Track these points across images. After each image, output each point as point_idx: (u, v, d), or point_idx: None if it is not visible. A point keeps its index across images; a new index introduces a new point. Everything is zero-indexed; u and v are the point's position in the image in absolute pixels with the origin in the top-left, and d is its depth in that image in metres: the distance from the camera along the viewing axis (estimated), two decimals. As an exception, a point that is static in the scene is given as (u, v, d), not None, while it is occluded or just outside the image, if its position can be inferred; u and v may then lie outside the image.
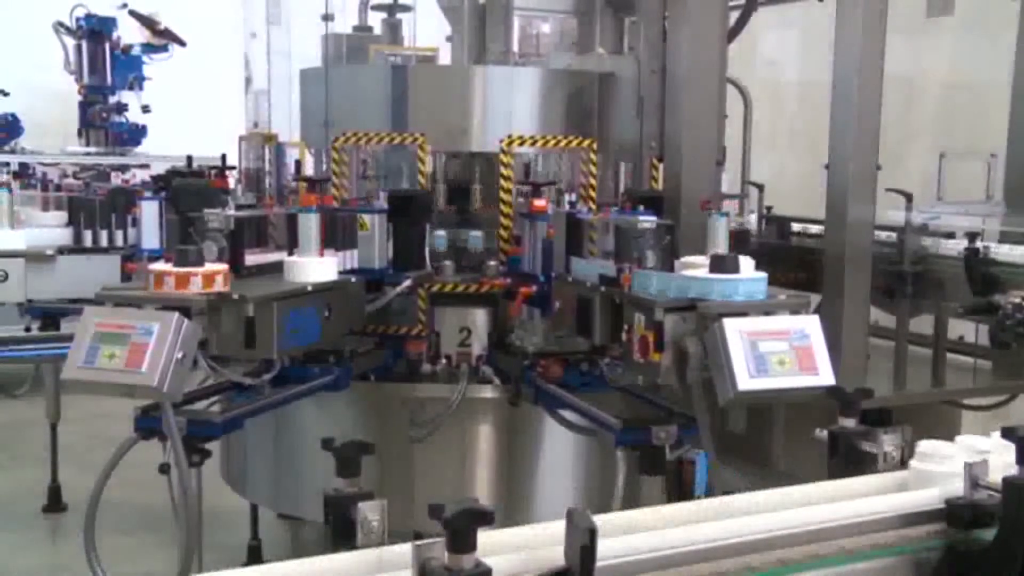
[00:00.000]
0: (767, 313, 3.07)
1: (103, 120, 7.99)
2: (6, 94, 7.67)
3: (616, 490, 3.45)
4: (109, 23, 7.93)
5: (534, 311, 4.09)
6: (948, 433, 1.87)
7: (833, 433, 2.01)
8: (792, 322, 3.03)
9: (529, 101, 4.52)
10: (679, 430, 3.38)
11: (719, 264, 3.12)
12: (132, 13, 8.02)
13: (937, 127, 6.84)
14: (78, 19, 7.86)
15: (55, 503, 5.33)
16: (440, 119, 4.45)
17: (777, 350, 2.94)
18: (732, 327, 2.93)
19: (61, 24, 7.81)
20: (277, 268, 3.63)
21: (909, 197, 4.27)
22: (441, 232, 4.37)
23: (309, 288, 3.50)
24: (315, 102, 4.63)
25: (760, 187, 5.85)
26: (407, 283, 3.99)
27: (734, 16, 4.85)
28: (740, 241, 4.20)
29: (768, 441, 4.13)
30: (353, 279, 3.81)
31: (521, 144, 4.33)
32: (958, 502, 1.60)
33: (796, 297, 3.28)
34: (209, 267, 3.16)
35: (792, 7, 6.23)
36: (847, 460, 1.91)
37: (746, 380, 2.88)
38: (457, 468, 4.16)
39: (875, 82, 3.85)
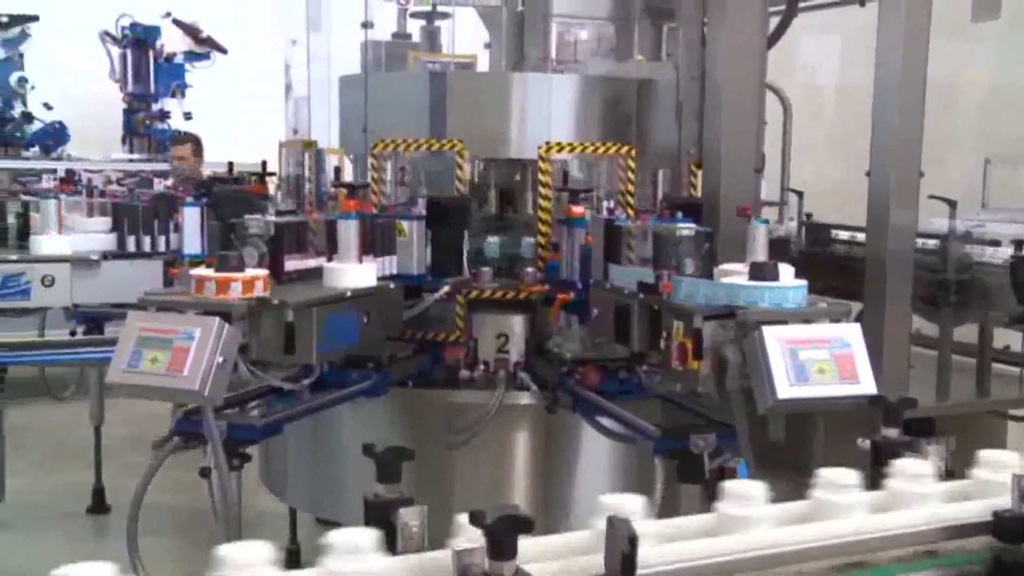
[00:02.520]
0: (807, 321, 3.04)
1: (146, 127, 8.10)
2: (49, 108, 7.80)
3: (655, 498, 3.44)
4: (153, 32, 8.04)
5: (572, 318, 4.08)
6: (993, 444, 1.84)
7: (876, 443, 1.99)
8: (833, 330, 3.00)
9: (567, 108, 4.52)
10: (718, 438, 3.36)
11: (758, 271, 3.10)
12: (175, 22, 8.13)
13: (982, 133, 6.77)
14: (123, 28, 7.98)
15: (99, 504, 5.39)
16: (478, 126, 4.46)
17: (817, 358, 2.91)
18: (772, 335, 2.91)
19: (107, 33, 7.93)
20: (316, 274, 3.65)
21: (953, 204, 4.22)
22: (493, 239, 4.39)
23: (348, 294, 3.52)
24: (354, 109, 4.65)
25: (800, 194, 5.81)
26: (445, 289, 4.00)
27: (774, 22, 4.82)
28: (779, 248, 4.17)
29: (808, 450, 4.09)
30: (391, 285, 3.82)
31: (559, 151, 4.33)
32: (1005, 514, 1.58)
33: (837, 305, 3.25)
34: (249, 272, 3.18)
35: (832, 11, 6.18)
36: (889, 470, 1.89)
37: (786, 388, 2.86)
38: (494, 475, 4.16)
39: (918, 87, 3.81)
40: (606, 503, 1.38)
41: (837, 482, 1.55)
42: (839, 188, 6.54)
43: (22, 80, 7.71)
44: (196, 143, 7.29)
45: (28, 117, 7.78)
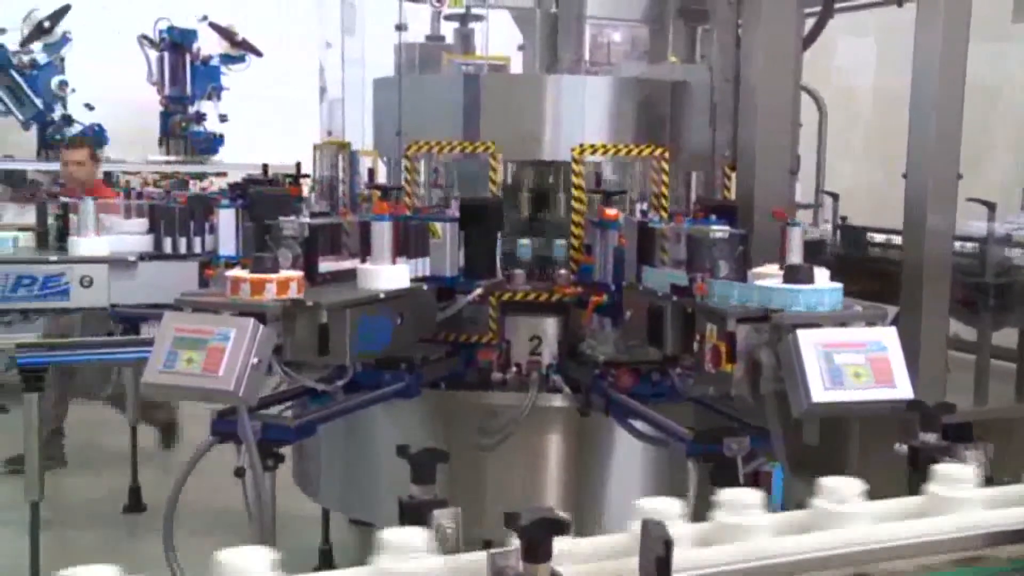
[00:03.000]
0: (842, 324, 3.02)
1: (182, 129, 8.17)
2: (91, 108, 7.90)
3: (688, 501, 3.42)
4: (190, 35, 8.12)
5: (605, 320, 4.08)
6: (1033, 450, 1.82)
7: (914, 448, 1.97)
8: (868, 334, 2.98)
9: (601, 110, 4.51)
10: (751, 442, 3.34)
11: (793, 274, 3.08)
12: (212, 25, 8.21)
13: (1021, 134, 6.68)
14: (161, 32, 8.06)
15: (135, 503, 5.45)
16: (512, 128, 4.46)
17: (853, 362, 2.89)
18: (806, 338, 2.89)
19: (145, 37, 8.02)
20: (350, 275, 3.66)
21: (992, 207, 4.18)
22: (525, 241, 4.39)
23: (381, 295, 3.53)
24: (388, 111, 4.68)
25: (835, 196, 5.77)
26: (478, 291, 4.01)
27: (808, 23, 4.79)
28: (814, 251, 4.15)
29: (843, 454, 4.06)
30: (425, 287, 3.83)
31: (592, 153, 4.32)
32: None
33: (873, 308, 3.22)
34: (284, 274, 3.20)
35: (867, 12, 6.13)
36: (928, 476, 1.87)
37: (820, 392, 2.84)
38: (527, 477, 4.16)
39: (956, 89, 3.77)
40: (643, 506, 1.38)
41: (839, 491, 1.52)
42: (875, 190, 6.49)
43: (63, 83, 7.81)
44: (92, 147, 6.47)
45: (68, 120, 7.87)
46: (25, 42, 7.67)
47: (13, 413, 6.15)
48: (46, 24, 7.69)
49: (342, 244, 3.95)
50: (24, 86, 7.68)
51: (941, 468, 1.56)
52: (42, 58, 7.75)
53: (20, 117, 7.75)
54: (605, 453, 4.15)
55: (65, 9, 7.67)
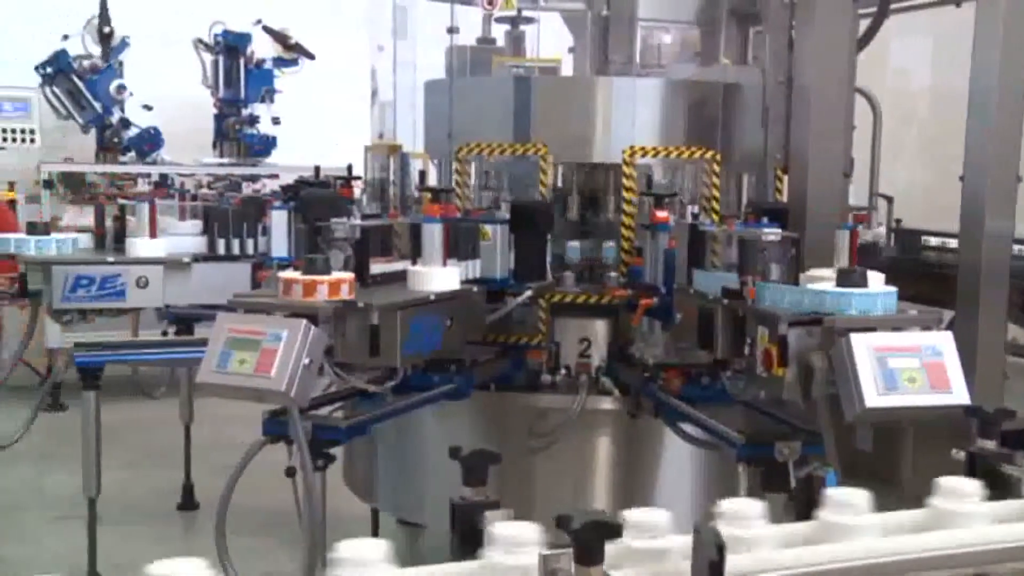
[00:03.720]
0: (897, 329, 2.98)
1: (236, 132, 8.27)
2: (149, 108, 8.02)
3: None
4: (244, 39, 8.21)
5: (655, 323, 4.06)
6: (1094, 458, 1.78)
7: (972, 454, 1.94)
8: (923, 338, 2.94)
9: (652, 112, 4.50)
10: (803, 446, 3.31)
11: (846, 278, 3.04)
12: (265, 29, 8.29)
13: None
14: (216, 36, 8.16)
15: (188, 501, 5.52)
16: (562, 130, 4.47)
17: (907, 367, 2.85)
18: (860, 342, 2.86)
19: (200, 41, 8.13)
20: (401, 277, 3.68)
21: (1051, 210, 4.09)
22: (575, 243, 4.38)
23: (432, 297, 3.54)
24: (439, 113, 4.70)
25: (889, 199, 5.70)
26: (528, 293, 4.01)
27: (863, 24, 4.73)
28: (868, 254, 4.09)
29: (896, 460, 4.01)
30: (475, 289, 3.84)
31: (643, 155, 4.31)
32: None
33: (928, 312, 3.18)
34: (335, 275, 3.23)
35: (923, 13, 6.04)
36: (986, 483, 1.84)
37: (874, 397, 2.80)
38: (576, 479, 4.15)
39: (1016, 89, 3.71)
40: (724, 508, 1.37)
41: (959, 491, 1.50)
42: (930, 193, 6.40)
43: (121, 87, 7.94)
44: None
45: (125, 123, 8.00)
46: (103, 52, 7.81)
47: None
48: (106, 30, 7.83)
49: (393, 246, 3.97)
50: (84, 90, 7.82)
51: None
52: (101, 62, 7.89)
53: (80, 121, 7.90)
54: (654, 456, 4.14)
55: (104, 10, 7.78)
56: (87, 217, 5.71)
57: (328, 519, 3.37)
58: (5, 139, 7.81)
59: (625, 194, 4.23)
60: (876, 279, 3.11)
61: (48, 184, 7.64)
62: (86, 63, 7.84)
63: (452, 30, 5.01)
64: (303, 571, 3.25)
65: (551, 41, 5.71)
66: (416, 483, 4.37)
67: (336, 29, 8.34)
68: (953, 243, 4.42)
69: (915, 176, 7.28)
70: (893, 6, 4.83)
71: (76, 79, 7.80)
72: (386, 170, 5.06)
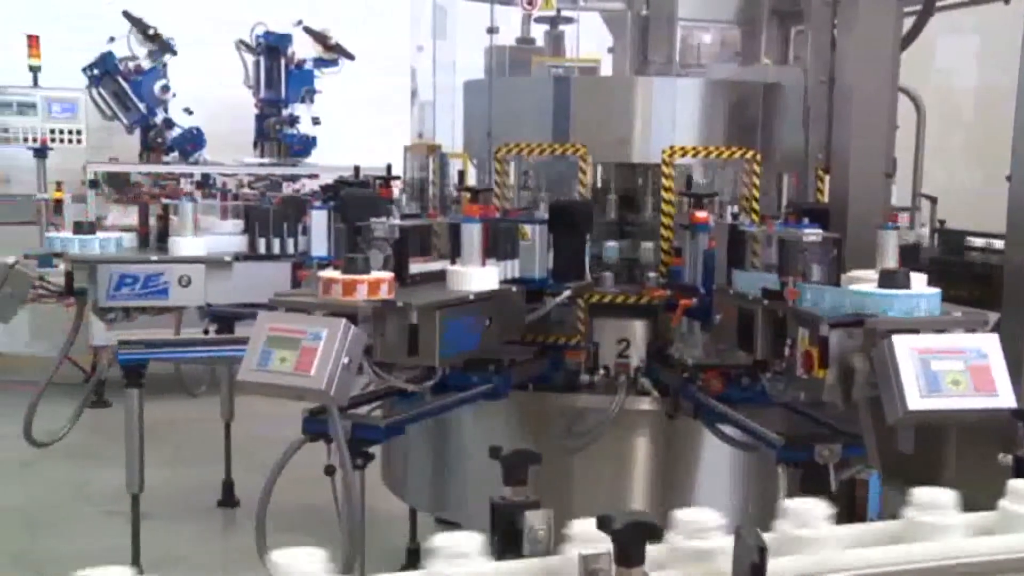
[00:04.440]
0: (940, 330, 2.94)
1: (277, 132, 8.34)
2: (190, 112, 8.12)
3: (778, 508, 3.37)
4: (285, 39, 8.28)
5: (694, 323, 4.04)
6: None
7: (1019, 458, 1.91)
8: (968, 340, 2.90)
9: (691, 112, 4.48)
10: (844, 449, 3.28)
11: (889, 279, 3.01)
12: (306, 29, 8.35)
13: None
14: (257, 37, 8.23)
15: (228, 498, 5.57)
16: (601, 130, 4.46)
17: (951, 369, 2.81)
18: (902, 344, 2.83)
19: (242, 42, 8.20)
20: (440, 277, 3.69)
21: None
22: (614, 243, 4.38)
23: (471, 297, 3.55)
24: (478, 113, 4.71)
25: (933, 200, 5.63)
26: (567, 293, 4.01)
27: (907, 22, 4.68)
28: (910, 255, 4.05)
29: (939, 463, 3.96)
30: (514, 288, 3.85)
31: (683, 155, 4.29)
32: None
33: (973, 314, 3.14)
34: (375, 275, 3.24)
35: (968, 11, 5.96)
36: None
37: (916, 400, 2.77)
38: (614, 479, 4.15)
39: (1063, 88, 3.65)
40: (788, 507, 1.36)
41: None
42: (974, 193, 6.31)
43: (165, 88, 8.03)
44: None
45: (169, 123, 8.10)
46: (150, 53, 7.91)
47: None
48: (151, 32, 7.93)
49: (432, 246, 3.99)
50: (129, 91, 7.93)
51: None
52: (146, 64, 7.99)
53: (125, 121, 8.00)
54: (692, 457, 4.12)
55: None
56: (131, 216, 5.77)
57: (366, 518, 3.39)
58: (53, 140, 7.93)
59: (664, 194, 4.22)
60: (919, 280, 3.08)
61: (94, 184, 7.75)
62: (131, 65, 7.94)
63: (492, 30, 5.02)
64: (341, 569, 3.27)
65: (590, 41, 5.70)
66: (453, 482, 4.38)
67: (376, 29, 8.39)
68: (999, 244, 4.35)
69: (960, 176, 7.18)
70: (939, 3, 4.76)
71: (122, 80, 7.90)
72: (425, 170, 5.07)
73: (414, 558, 4.86)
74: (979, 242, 5.00)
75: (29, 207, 7.88)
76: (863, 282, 3.10)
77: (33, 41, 7.79)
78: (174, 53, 8.01)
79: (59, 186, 7.91)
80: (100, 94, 7.89)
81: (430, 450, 4.47)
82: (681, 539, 1.28)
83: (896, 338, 2.83)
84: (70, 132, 7.99)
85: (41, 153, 7.86)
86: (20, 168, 8.07)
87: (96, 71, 7.84)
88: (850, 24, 4.07)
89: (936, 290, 3.04)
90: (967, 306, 3.35)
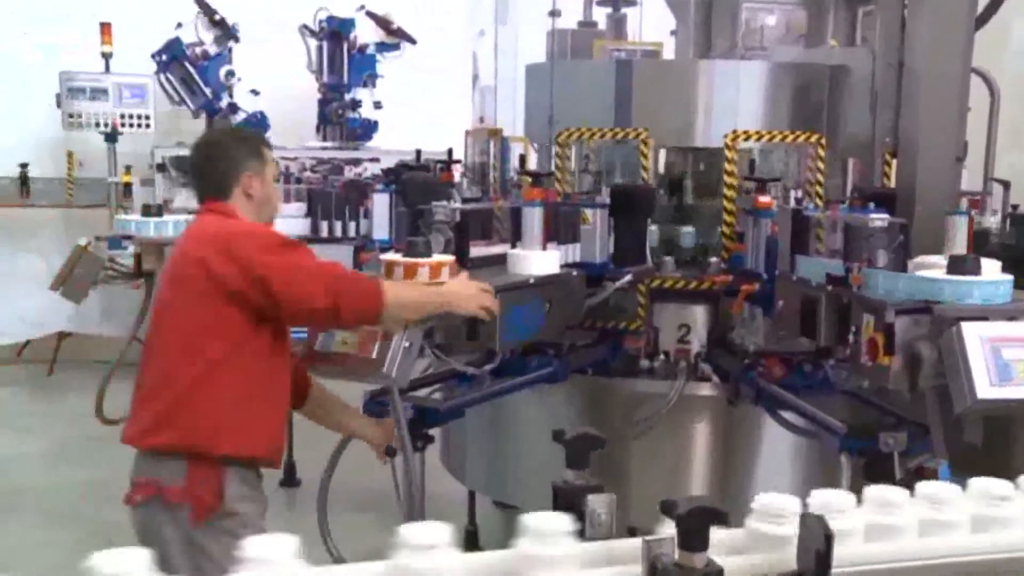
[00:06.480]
0: (1012, 318, 2.88)
1: (339, 116, 8.39)
2: (257, 93, 8.20)
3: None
4: (348, 24, 8.31)
5: (756, 309, 4.00)
6: None
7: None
8: (1041, 329, 2.83)
9: (755, 95, 4.42)
10: (908, 438, 3.23)
11: (958, 265, 2.95)
12: (368, 14, 8.38)
13: None
14: (320, 21, 8.29)
15: (290, 478, 5.66)
16: (664, 114, 4.42)
17: (1023, 357, 2.75)
18: (972, 332, 2.77)
19: (306, 27, 8.27)
20: (501, 260, 3.70)
21: None
22: (676, 228, 4.35)
23: (531, 281, 3.55)
24: (539, 97, 4.69)
25: (1006, 184, 5.51)
26: (627, 278, 3.98)
27: (982, 3, 4.56)
28: (980, 241, 3.96)
29: (1007, 454, 3.88)
30: (574, 273, 3.83)
31: (746, 139, 4.24)
32: None
33: (1046, 302, 3.06)
34: (436, 258, 3.25)
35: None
36: None
37: (986, 388, 2.71)
38: (673, 465, 4.13)
39: None
40: (871, 494, 1.35)
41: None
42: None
43: (229, 73, 8.13)
44: None
45: (234, 108, 8.19)
46: (216, 38, 8.02)
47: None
48: (217, 17, 8.02)
49: (493, 229, 3.99)
50: (196, 76, 8.04)
51: None
52: (212, 49, 8.10)
53: (191, 106, 8.11)
54: (752, 444, 4.09)
55: None
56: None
57: (426, 499, 3.41)
58: (123, 124, 8.07)
59: (727, 179, 4.17)
60: (991, 267, 3.01)
61: (161, 168, 7.88)
62: (198, 50, 8.05)
63: (554, 13, 5.00)
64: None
65: (653, 24, 5.65)
66: (512, 465, 4.39)
67: (438, 14, 8.40)
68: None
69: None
70: (1014, -17, 4.65)
71: (189, 66, 8.01)
72: (486, 154, 5.08)
73: (473, 540, 4.89)
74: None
75: (101, 190, 8.05)
76: (931, 268, 3.04)
77: (106, 29, 7.92)
78: (237, 40, 8.10)
79: (128, 170, 8.05)
80: (168, 79, 8.00)
81: (489, 433, 4.48)
82: (756, 523, 1.27)
83: (965, 325, 2.77)
84: (139, 117, 8.12)
85: (112, 138, 8.01)
86: (92, 153, 8.24)
87: (164, 57, 7.96)
88: (921, 5, 3.98)
89: (1008, 277, 2.97)
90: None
